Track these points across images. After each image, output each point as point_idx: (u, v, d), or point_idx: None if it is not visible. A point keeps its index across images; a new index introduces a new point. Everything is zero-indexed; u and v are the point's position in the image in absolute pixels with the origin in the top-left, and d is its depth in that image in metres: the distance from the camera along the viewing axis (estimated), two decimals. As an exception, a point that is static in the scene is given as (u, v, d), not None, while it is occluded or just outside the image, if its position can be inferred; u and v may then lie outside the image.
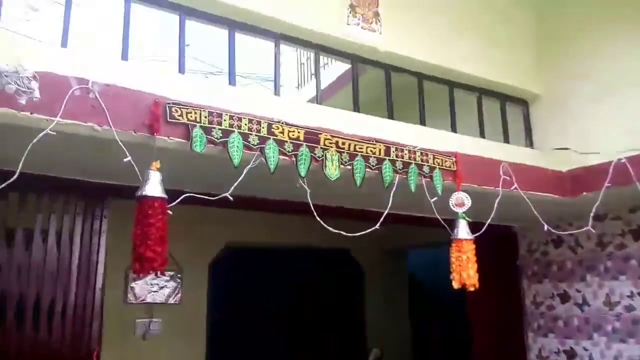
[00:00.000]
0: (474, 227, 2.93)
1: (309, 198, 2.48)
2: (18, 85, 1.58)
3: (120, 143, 2.07)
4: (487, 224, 3.05)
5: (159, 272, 4.85)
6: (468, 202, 2.92)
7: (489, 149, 3.42)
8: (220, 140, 2.29)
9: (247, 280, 6.27)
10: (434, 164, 2.95)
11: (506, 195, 3.18)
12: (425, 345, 6.31)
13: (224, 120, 2.32)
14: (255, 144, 2.37)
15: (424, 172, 2.90)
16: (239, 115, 2.37)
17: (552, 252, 4.32)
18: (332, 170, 2.56)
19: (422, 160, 2.91)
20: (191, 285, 5.20)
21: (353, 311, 6.32)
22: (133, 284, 4.97)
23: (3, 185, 1.91)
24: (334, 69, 5.71)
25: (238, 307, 6.09)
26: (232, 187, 2.27)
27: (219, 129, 2.29)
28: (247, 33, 3.14)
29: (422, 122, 3.57)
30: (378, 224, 2.67)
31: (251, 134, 2.37)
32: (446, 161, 3.02)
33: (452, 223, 2.92)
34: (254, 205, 3.80)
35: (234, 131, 2.32)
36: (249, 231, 5.42)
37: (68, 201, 2.89)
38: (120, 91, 2.15)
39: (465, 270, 2.75)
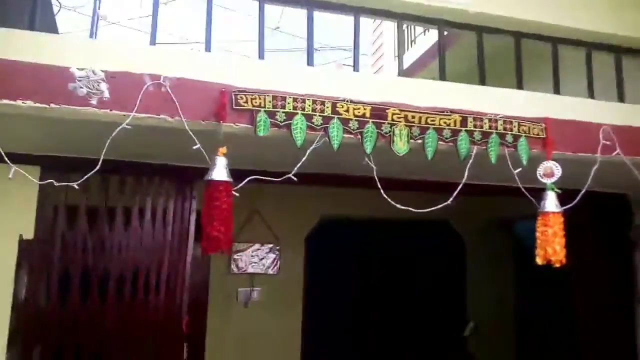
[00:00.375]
0: (574, 195, 2.70)
1: (374, 174, 2.46)
2: (89, 88, 1.74)
3: (190, 132, 2.20)
4: (581, 194, 2.79)
5: (258, 245, 5.24)
6: (558, 172, 2.69)
7: (591, 109, 3.08)
8: (284, 123, 2.33)
9: (344, 253, 6.38)
10: (519, 132, 2.75)
11: (610, 162, 2.87)
12: (529, 319, 5.99)
13: (288, 103, 2.36)
14: (319, 124, 2.39)
15: (506, 141, 2.71)
16: (302, 97, 2.39)
17: (673, 222, 3.85)
18: (401, 146, 2.50)
19: (505, 129, 2.72)
20: (289, 257, 5.44)
21: (453, 283, 6.19)
22: (236, 256, 5.32)
23: (89, 174, 2.13)
24: (433, 36, 5.53)
25: (335, 278, 6.23)
26: (295, 168, 2.32)
27: (283, 112, 2.34)
28: (325, 11, 3.12)
29: (520, 86, 3.33)
30: (450, 200, 2.56)
31: (315, 115, 2.39)
32: (534, 128, 2.79)
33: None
34: (345, 182, 3.86)
35: (297, 113, 2.35)
36: (345, 205, 5.50)
37: (162, 183, 3.14)
38: (190, 83, 2.27)
39: (550, 245, 2.56)
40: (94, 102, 1.83)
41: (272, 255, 5.44)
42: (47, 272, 2.88)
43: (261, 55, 2.84)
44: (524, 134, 2.74)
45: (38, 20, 2.57)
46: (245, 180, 2.28)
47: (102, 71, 1.90)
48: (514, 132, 2.72)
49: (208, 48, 2.77)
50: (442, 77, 3.23)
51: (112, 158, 3.08)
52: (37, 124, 2.46)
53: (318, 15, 3.09)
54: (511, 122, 2.73)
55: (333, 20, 3.05)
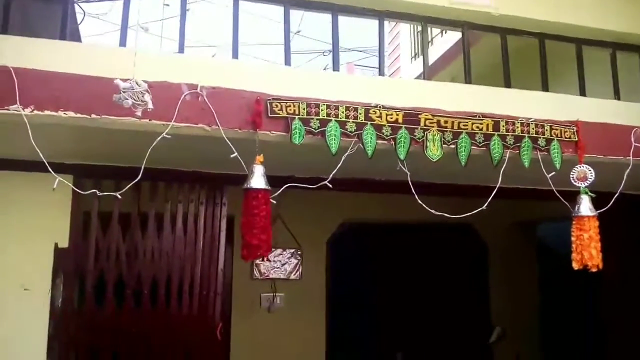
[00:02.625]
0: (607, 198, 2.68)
1: (409, 179, 2.47)
2: (134, 100, 1.77)
3: (227, 140, 2.22)
4: (615, 197, 2.77)
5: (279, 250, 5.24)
6: (591, 176, 2.68)
7: (621, 112, 3.06)
8: (319, 130, 2.35)
9: (367, 257, 6.37)
10: (551, 135, 2.74)
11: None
12: (555, 322, 5.93)
13: (322, 110, 2.37)
14: (353, 130, 2.40)
15: (539, 145, 2.70)
16: (336, 104, 2.40)
17: None
18: (434, 151, 2.50)
19: (536, 133, 2.71)
20: (310, 261, 5.43)
21: (476, 287, 6.15)
22: (258, 262, 5.32)
23: (131, 183, 2.16)
24: (451, 36, 5.53)
25: (357, 283, 6.23)
26: (331, 175, 2.34)
27: (317, 119, 2.35)
28: (350, 15, 3.14)
29: (545, 88, 3.32)
30: (485, 205, 2.56)
31: (348, 121, 2.40)
32: (566, 131, 2.78)
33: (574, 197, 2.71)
34: (367, 187, 3.86)
35: (331, 120, 2.37)
36: (366, 209, 5.50)
37: (192, 190, 3.17)
38: (226, 92, 2.30)
39: (587, 250, 2.55)
40: (138, 113, 1.86)
41: (294, 261, 5.45)
42: (82, 279, 2.92)
43: (287, 62, 2.86)
44: (556, 138, 2.73)
45: (68, 31, 2.63)
46: (283, 188, 2.31)
47: (145, 82, 1.92)
48: (546, 136, 2.72)
49: (235, 55, 2.80)
50: (468, 79, 3.23)
51: (145, 165, 3.16)
52: (73, 133, 2.50)
53: (327, 17, 3.09)
54: (543, 126, 2.73)
55: (344, 22, 3.06)
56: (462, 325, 6.00)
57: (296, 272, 5.44)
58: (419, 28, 6.70)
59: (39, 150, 2.06)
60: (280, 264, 5.42)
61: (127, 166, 3.14)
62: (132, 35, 2.59)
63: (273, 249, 5.34)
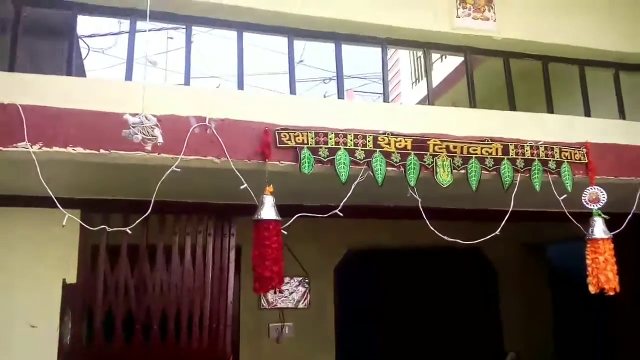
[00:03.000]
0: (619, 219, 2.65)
1: (419, 205, 2.44)
2: (144, 134, 1.76)
3: (237, 172, 2.21)
4: (628, 218, 2.74)
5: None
6: (604, 198, 2.65)
7: (629, 131, 3.05)
8: (328, 158, 2.34)
9: (374, 283, 6.29)
10: (561, 157, 2.72)
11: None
12: (569, 344, 5.81)
13: (330, 139, 2.36)
14: (362, 158, 2.39)
15: (549, 168, 2.69)
16: (344, 132, 2.40)
17: None
18: (444, 177, 2.49)
19: (546, 156, 2.70)
20: (318, 289, 5.37)
21: (487, 312, 6.04)
22: (265, 291, 5.26)
23: (141, 217, 2.13)
24: (451, 61, 5.58)
25: (365, 309, 6.14)
26: (342, 203, 2.32)
27: (326, 148, 2.35)
28: (353, 43, 3.17)
29: (550, 110, 3.32)
30: (498, 230, 2.53)
31: (357, 149, 2.39)
32: (575, 153, 2.76)
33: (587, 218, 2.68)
34: (375, 213, 3.83)
35: (339, 148, 2.36)
36: (373, 235, 5.46)
37: (201, 221, 3.14)
38: (234, 124, 2.30)
39: (602, 273, 2.50)
40: (148, 147, 1.85)
41: (301, 289, 5.38)
42: (90, 315, 2.87)
43: (293, 91, 2.87)
44: (566, 160, 2.71)
45: (74, 67, 2.65)
46: (294, 218, 2.28)
47: (154, 116, 1.91)
48: (556, 158, 2.70)
49: (240, 86, 2.82)
50: (473, 104, 3.23)
51: (149, 199, 3.14)
52: (82, 168, 2.49)
53: (329, 45, 3.11)
54: (552, 148, 2.71)
55: (345, 49, 3.09)
56: (473, 351, 5.88)
57: (304, 300, 5.36)
58: (419, 54, 6.86)
59: (47, 187, 2.05)
60: (288, 292, 5.35)
61: (136, 199, 3.13)
62: (138, 69, 2.61)
63: (281, 278, 5.29)
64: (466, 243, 2.61)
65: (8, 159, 2.11)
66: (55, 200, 2.14)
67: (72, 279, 2.86)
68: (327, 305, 5.41)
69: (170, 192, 3.09)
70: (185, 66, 2.80)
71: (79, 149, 2.09)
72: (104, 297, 2.90)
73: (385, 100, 3.15)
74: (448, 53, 3.73)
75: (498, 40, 3.33)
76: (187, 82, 2.76)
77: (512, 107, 3.30)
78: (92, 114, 2.12)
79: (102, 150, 2.10)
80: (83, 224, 2.58)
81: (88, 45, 3.91)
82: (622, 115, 3.44)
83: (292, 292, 5.36)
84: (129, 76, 2.61)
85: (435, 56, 6.35)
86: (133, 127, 1.80)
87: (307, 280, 5.38)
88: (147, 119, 1.82)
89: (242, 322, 5.16)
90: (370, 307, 6.16)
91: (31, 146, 2.03)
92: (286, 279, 5.30)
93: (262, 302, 5.27)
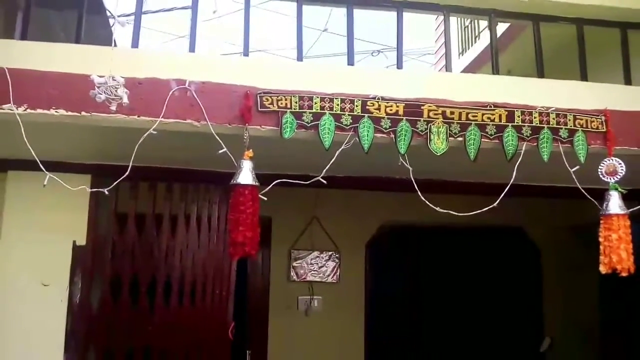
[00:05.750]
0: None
1: (411, 175, 2.33)
2: (107, 94, 1.78)
3: (216, 136, 2.19)
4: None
5: (319, 252, 5.16)
6: (622, 170, 2.40)
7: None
8: (312, 123, 2.27)
9: (407, 261, 6.16)
10: (574, 126, 2.48)
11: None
12: (615, 328, 5.41)
13: (315, 104, 2.29)
14: (349, 123, 2.29)
15: (560, 137, 2.46)
16: (331, 96, 2.31)
17: None
18: (439, 144, 2.34)
19: (558, 124, 2.47)
20: (349, 264, 5.32)
21: (528, 294, 5.77)
22: (295, 264, 5.29)
23: (118, 180, 2.18)
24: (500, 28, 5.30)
25: (398, 288, 6.03)
26: (324, 171, 2.25)
27: (310, 113, 2.27)
28: (366, 8, 3.04)
29: (584, 78, 3.04)
30: (496, 202, 2.37)
31: (344, 114, 2.30)
32: (592, 121, 2.51)
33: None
34: (405, 187, 3.71)
35: (325, 113, 2.28)
36: (407, 211, 5.29)
37: (207, 190, 3.18)
38: (215, 87, 2.27)
39: (615, 252, 2.28)
40: (113, 107, 1.87)
41: (331, 263, 5.36)
42: (99, 277, 3.00)
43: (300, 58, 2.80)
44: (580, 128, 2.47)
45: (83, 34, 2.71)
46: (272, 185, 2.24)
47: (123, 77, 1.93)
48: (569, 127, 2.47)
49: (246, 52, 2.78)
50: (496, 71, 3.03)
51: (159, 165, 3.21)
52: (88, 134, 2.58)
53: (367, 18, 3.00)
54: (565, 116, 2.48)
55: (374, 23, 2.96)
56: (511, 334, 5.65)
57: (334, 275, 5.34)
58: (467, 22, 6.53)
59: (31, 149, 2.12)
60: (317, 266, 5.36)
61: (144, 166, 3.22)
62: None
63: (310, 251, 5.30)
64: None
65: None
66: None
67: (82, 241, 3.00)
68: (357, 281, 5.35)
69: (177, 160, 3.15)
70: (191, 33, 2.78)
71: (62, 111, 2.14)
72: (112, 260, 3.01)
73: (399, 67, 2.99)
74: (471, 17, 3.50)
75: (526, 2, 3.08)
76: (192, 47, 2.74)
77: (541, 74, 3.06)
78: (75, 77, 2.15)
79: (83, 113, 2.15)
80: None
81: (113, 15, 4.00)
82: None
83: (321, 266, 5.35)
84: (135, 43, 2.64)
85: (483, 24, 6.03)
86: (98, 87, 1.82)
87: (337, 255, 5.35)
88: (112, 79, 1.83)
89: (272, 294, 5.22)
90: (404, 285, 6.06)
91: (17, 108, 2.10)
92: (316, 253, 5.32)
93: (292, 274, 5.30)
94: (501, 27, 5.32)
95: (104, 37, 3.79)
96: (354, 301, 5.30)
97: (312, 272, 5.34)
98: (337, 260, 5.35)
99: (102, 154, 2.97)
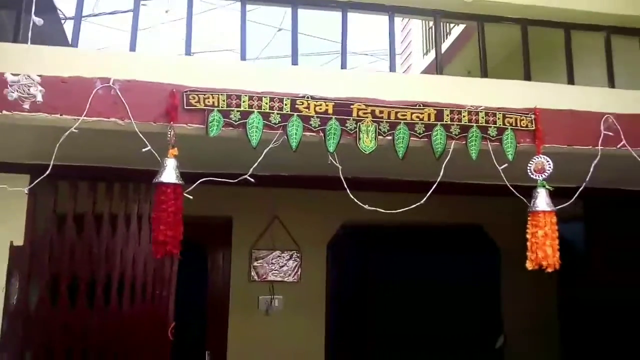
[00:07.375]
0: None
1: (340, 174, 2.35)
2: (20, 93, 1.76)
3: (140, 135, 2.18)
4: (579, 191, 2.53)
5: (280, 252, 5.15)
6: (549, 168, 2.45)
7: (593, 98, 2.78)
8: (239, 122, 2.26)
9: (370, 260, 6.19)
10: (504, 124, 2.52)
11: (612, 155, 2.59)
12: (576, 327, 5.51)
13: (243, 102, 2.28)
14: (277, 122, 2.29)
15: (489, 135, 2.50)
16: (259, 95, 2.31)
17: None
18: (367, 143, 2.36)
19: (486, 122, 2.51)
20: (310, 264, 5.33)
21: (486, 292, 5.84)
22: (255, 264, 5.29)
23: (39, 179, 2.15)
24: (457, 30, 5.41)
25: (358, 287, 6.06)
26: (252, 169, 2.25)
27: (238, 111, 2.27)
28: (359, 11, 3.02)
29: (527, 78, 3.09)
30: (424, 199, 2.39)
31: (272, 113, 2.30)
32: (522, 120, 2.55)
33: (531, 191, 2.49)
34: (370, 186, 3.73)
35: (253, 112, 2.28)
36: (367, 211, 5.34)
37: (148, 189, 3.16)
38: (140, 85, 2.25)
39: (541, 249, 2.32)
40: (26, 106, 1.85)
41: (292, 263, 5.36)
42: (37, 278, 2.97)
43: (243, 57, 2.79)
44: (509, 127, 2.51)
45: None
46: (197, 183, 2.24)
47: (41, 76, 1.90)
48: (497, 125, 2.50)
49: (188, 52, 2.76)
50: (439, 71, 3.06)
51: (99, 165, 3.18)
52: (16, 132, 2.54)
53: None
54: (494, 114, 2.52)
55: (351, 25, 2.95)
56: (469, 332, 5.72)
57: (295, 274, 5.34)
58: (431, 24, 6.58)
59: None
60: (278, 266, 5.35)
61: (86, 165, 3.19)
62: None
63: (271, 251, 5.29)
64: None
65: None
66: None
67: (19, 242, 2.96)
68: (318, 281, 5.36)
69: (117, 159, 3.13)
70: (132, 30, 2.76)
71: (-22, 110, 2.11)
72: (50, 261, 2.98)
73: (392, 70, 2.99)
74: (414, 17, 3.53)
75: (469, 3, 3.12)
76: (132, 47, 2.72)
77: (485, 75, 3.09)
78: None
79: (4, 112, 2.12)
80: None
81: (64, 15, 3.97)
82: (612, 82, 3.15)
83: (282, 266, 5.35)
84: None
85: (448, 25, 6.10)
86: (11, 85, 1.79)
87: (298, 255, 5.35)
88: (26, 77, 1.81)
89: (232, 294, 5.21)
90: (365, 284, 6.09)
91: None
92: (277, 252, 5.31)
93: (253, 274, 5.29)
94: (460, 28, 5.43)
95: (56, 36, 3.76)
96: (315, 301, 5.31)
97: (273, 271, 5.33)
98: (298, 260, 5.36)
99: (39, 154, 2.94)
